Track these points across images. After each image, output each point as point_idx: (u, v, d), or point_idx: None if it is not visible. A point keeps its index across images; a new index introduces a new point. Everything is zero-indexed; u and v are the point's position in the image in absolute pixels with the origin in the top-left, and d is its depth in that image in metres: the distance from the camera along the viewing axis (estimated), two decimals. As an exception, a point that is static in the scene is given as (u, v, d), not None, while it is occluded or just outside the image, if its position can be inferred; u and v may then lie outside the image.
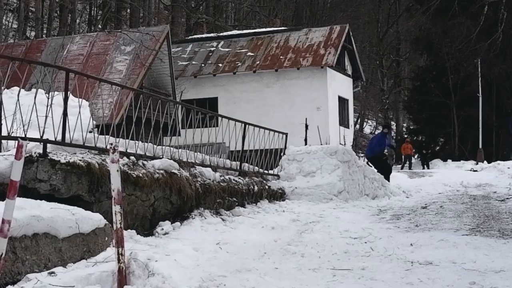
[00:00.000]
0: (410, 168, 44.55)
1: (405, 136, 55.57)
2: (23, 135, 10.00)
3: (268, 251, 10.73)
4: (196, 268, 9.10)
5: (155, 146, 13.40)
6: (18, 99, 10.24)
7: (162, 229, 11.89)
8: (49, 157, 10.21)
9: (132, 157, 12.10)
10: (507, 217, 14.69)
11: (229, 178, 15.43)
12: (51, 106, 10.59)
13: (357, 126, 71.52)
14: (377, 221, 14.96)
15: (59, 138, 10.81)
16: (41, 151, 10.30)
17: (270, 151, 18.99)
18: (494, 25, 49.76)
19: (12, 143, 10.98)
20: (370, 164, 23.97)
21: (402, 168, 44.12)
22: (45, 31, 48.84)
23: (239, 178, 16.07)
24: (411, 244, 11.26)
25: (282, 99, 41.81)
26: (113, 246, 8.44)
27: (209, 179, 14.27)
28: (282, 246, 11.15)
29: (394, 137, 63.00)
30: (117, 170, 7.81)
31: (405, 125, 70.15)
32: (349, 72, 47.04)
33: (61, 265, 8.22)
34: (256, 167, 18.02)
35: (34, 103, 10.28)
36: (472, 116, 48.87)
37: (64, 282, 7.29)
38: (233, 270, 9.05)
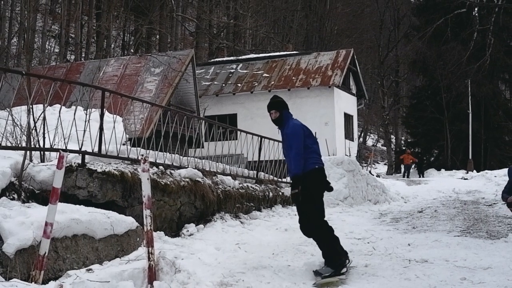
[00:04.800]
0: (408, 176, 44.37)
1: (404, 147, 55.51)
2: (64, 147, 10.05)
3: (282, 250, 10.72)
4: (217, 265, 9.09)
5: (181, 157, 13.42)
6: (59, 115, 10.30)
7: (188, 230, 11.88)
8: (87, 167, 10.25)
9: (160, 167, 12.12)
10: (494, 220, 14.63)
11: (247, 185, 15.41)
12: (88, 122, 10.63)
13: (361, 139, 71.36)
14: (378, 223, 14.92)
15: (96, 150, 10.86)
16: (80, 162, 10.34)
17: (283, 161, 18.94)
18: (483, 50, 49.82)
19: (54, 154, 11.01)
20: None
21: (403, 177, 44.00)
22: (83, 55, 48.96)
23: (256, 185, 16.05)
24: (409, 244, 11.22)
25: (294, 115, 41.56)
26: (144, 246, 8.45)
27: (229, 186, 14.26)
28: (294, 246, 11.12)
29: (394, 149, 62.86)
30: (148, 178, 7.83)
31: (403, 138, 70.19)
32: (354, 91, 46.85)
33: (98, 263, 8.24)
34: (271, 176, 18.00)
35: (74, 118, 10.32)
36: (463, 130, 48.93)
37: (100, 278, 7.30)
38: (251, 267, 9.04)
